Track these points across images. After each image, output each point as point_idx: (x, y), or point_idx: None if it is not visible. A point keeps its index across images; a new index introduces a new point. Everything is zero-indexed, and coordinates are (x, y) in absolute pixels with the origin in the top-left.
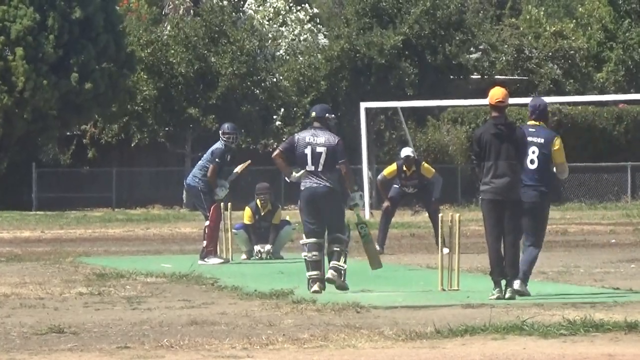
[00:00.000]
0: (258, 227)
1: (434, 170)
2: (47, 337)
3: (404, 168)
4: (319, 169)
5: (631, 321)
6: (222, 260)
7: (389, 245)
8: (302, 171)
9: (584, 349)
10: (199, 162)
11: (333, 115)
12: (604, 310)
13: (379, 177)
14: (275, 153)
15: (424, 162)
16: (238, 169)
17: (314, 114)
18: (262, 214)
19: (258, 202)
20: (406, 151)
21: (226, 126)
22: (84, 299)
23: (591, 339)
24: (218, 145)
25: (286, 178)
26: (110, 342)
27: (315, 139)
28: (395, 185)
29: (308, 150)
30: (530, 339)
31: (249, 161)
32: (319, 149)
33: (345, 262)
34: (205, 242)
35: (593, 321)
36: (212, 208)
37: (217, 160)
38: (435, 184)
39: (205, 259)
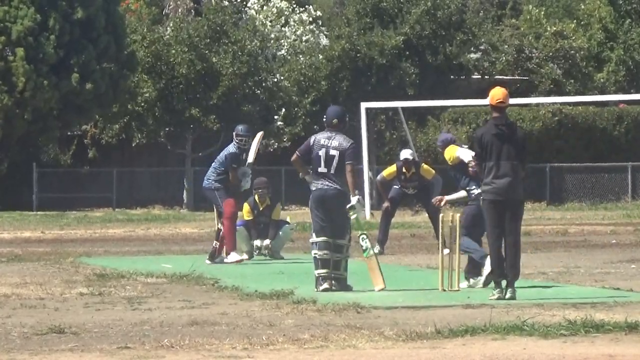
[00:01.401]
0: (257, 222)
1: (434, 171)
2: (48, 338)
3: (404, 170)
4: (331, 172)
5: (632, 322)
6: (240, 257)
7: (389, 246)
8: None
9: (584, 349)
10: (213, 164)
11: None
12: (605, 310)
13: (379, 177)
14: (293, 157)
15: (423, 164)
16: (251, 157)
17: (335, 121)
18: (261, 209)
19: (256, 197)
20: (405, 153)
21: (240, 128)
22: (84, 299)
23: (591, 339)
24: (231, 149)
25: (304, 177)
26: (110, 342)
27: (330, 142)
28: (395, 186)
29: (322, 153)
30: (530, 339)
31: (261, 132)
32: (332, 152)
33: (346, 269)
34: (216, 242)
35: (593, 321)
36: (225, 203)
37: (233, 165)
38: (435, 185)
39: (226, 258)
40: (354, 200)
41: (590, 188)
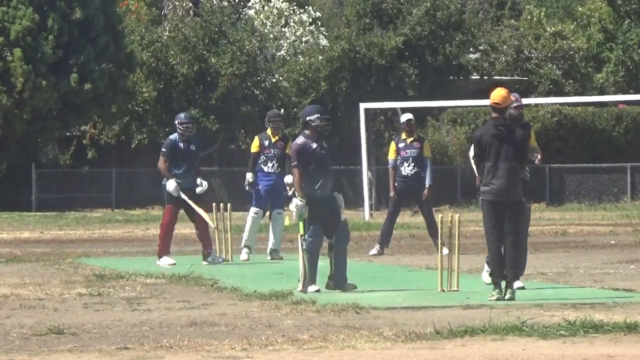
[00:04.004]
0: (269, 154)
1: (430, 153)
2: (47, 338)
3: (404, 136)
4: None
5: (631, 322)
6: (173, 262)
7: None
8: None
9: (583, 349)
10: None
11: (316, 116)
12: (604, 311)
13: (389, 164)
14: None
15: (426, 140)
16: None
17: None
18: (274, 141)
19: (270, 130)
20: (407, 115)
21: (182, 116)
22: (83, 300)
23: (591, 339)
24: (171, 136)
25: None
26: (109, 343)
27: None
28: (398, 178)
29: None
30: (529, 339)
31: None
32: None
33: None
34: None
35: (593, 322)
36: (165, 209)
37: (163, 149)
38: (427, 166)
39: (158, 261)
40: (292, 202)
41: (590, 189)
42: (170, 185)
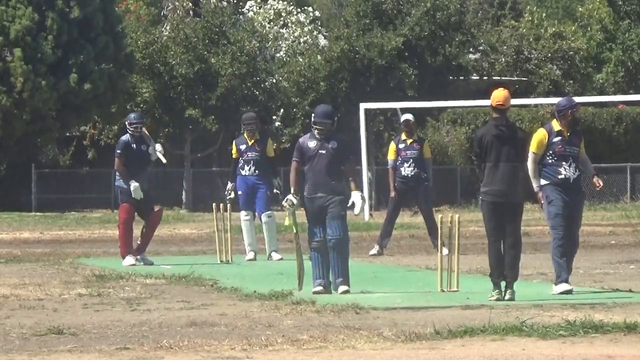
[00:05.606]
0: (247, 158)
1: (430, 154)
2: (47, 338)
3: (404, 137)
4: None
5: (630, 322)
6: (134, 262)
7: (388, 246)
8: None
9: (583, 350)
10: None
11: (312, 115)
12: (604, 311)
13: (389, 164)
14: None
15: (426, 140)
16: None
17: None
18: (250, 144)
19: (246, 134)
20: (406, 116)
21: (132, 116)
22: (83, 300)
23: (590, 340)
24: (123, 137)
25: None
26: (109, 343)
27: None
28: (398, 178)
29: None
30: (529, 340)
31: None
32: None
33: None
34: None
35: (592, 322)
36: (120, 207)
37: (118, 151)
38: (427, 167)
39: (124, 261)
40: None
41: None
42: (135, 188)
